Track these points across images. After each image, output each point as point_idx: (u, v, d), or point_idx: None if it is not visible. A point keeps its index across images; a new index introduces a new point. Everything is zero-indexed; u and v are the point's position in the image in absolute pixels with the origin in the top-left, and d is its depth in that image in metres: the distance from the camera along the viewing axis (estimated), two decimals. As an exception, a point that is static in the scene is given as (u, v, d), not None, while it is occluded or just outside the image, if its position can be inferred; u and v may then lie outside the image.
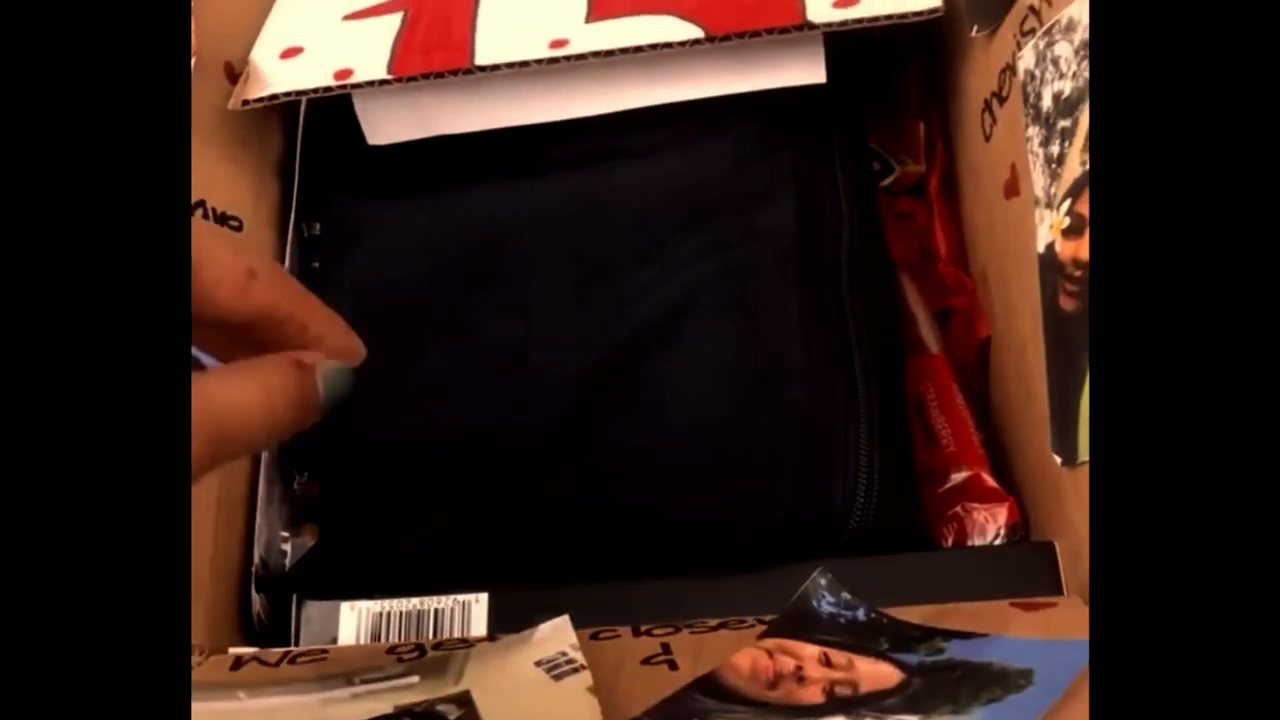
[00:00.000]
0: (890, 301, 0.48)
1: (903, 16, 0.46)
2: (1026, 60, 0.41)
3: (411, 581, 0.43)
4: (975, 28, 0.45)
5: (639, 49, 0.46)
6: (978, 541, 0.44)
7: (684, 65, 0.48)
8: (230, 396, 0.29)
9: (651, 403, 0.43)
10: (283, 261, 0.52)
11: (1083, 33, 0.37)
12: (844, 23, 0.46)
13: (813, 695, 0.34)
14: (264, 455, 0.47)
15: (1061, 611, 0.37)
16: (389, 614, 0.43)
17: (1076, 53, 0.37)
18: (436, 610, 0.43)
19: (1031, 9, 0.41)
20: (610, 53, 0.46)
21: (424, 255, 0.48)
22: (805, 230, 0.46)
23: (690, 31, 0.46)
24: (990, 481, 0.45)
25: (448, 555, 0.44)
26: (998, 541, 0.44)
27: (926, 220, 0.53)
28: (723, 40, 0.46)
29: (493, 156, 0.50)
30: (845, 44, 0.55)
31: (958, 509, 0.45)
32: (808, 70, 0.48)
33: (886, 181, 0.56)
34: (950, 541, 0.45)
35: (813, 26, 0.46)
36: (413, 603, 0.43)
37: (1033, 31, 0.41)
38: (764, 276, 0.45)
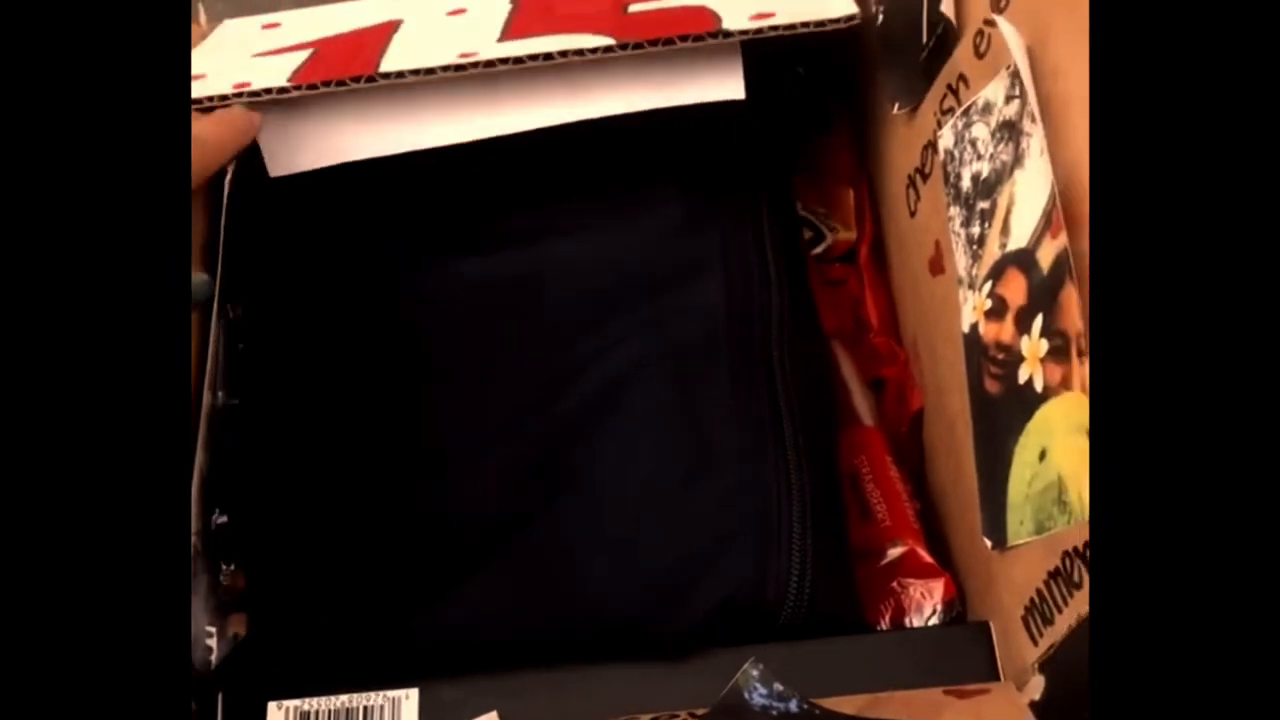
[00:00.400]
0: (823, 375, 0.48)
1: (820, 24, 0.45)
2: (946, 140, 0.41)
3: (341, 677, 0.42)
4: (896, 105, 0.45)
5: (549, 56, 0.45)
6: (914, 618, 0.44)
7: (600, 79, 0.47)
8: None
9: (584, 491, 0.42)
10: (207, 344, 0.51)
11: (999, 114, 0.37)
12: (760, 30, 0.45)
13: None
14: (192, 546, 0.46)
15: (994, 699, 0.36)
16: (317, 712, 0.42)
17: (993, 135, 0.37)
18: (366, 708, 0.42)
19: (950, 88, 0.41)
20: (520, 60, 0.45)
21: (352, 338, 0.47)
22: (735, 307, 0.46)
23: (603, 41, 0.45)
24: (926, 557, 0.45)
25: (377, 648, 0.43)
26: (934, 619, 0.43)
27: (858, 289, 0.53)
28: (635, 48, 0.45)
29: (420, 236, 0.49)
30: (773, 107, 0.55)
31: (894, 584, 0.45)
32: (726, 85, 0.47)
33: (818, 250, 0.55)
34: (887, 618, 0.44)
35: (728, 34, 0.45)
36: (341, 700, 0.42)
37: (951, 111, 0.41)
38: (695, 356, 0.44)
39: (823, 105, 0.59)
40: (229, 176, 0.54)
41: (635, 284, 0.46)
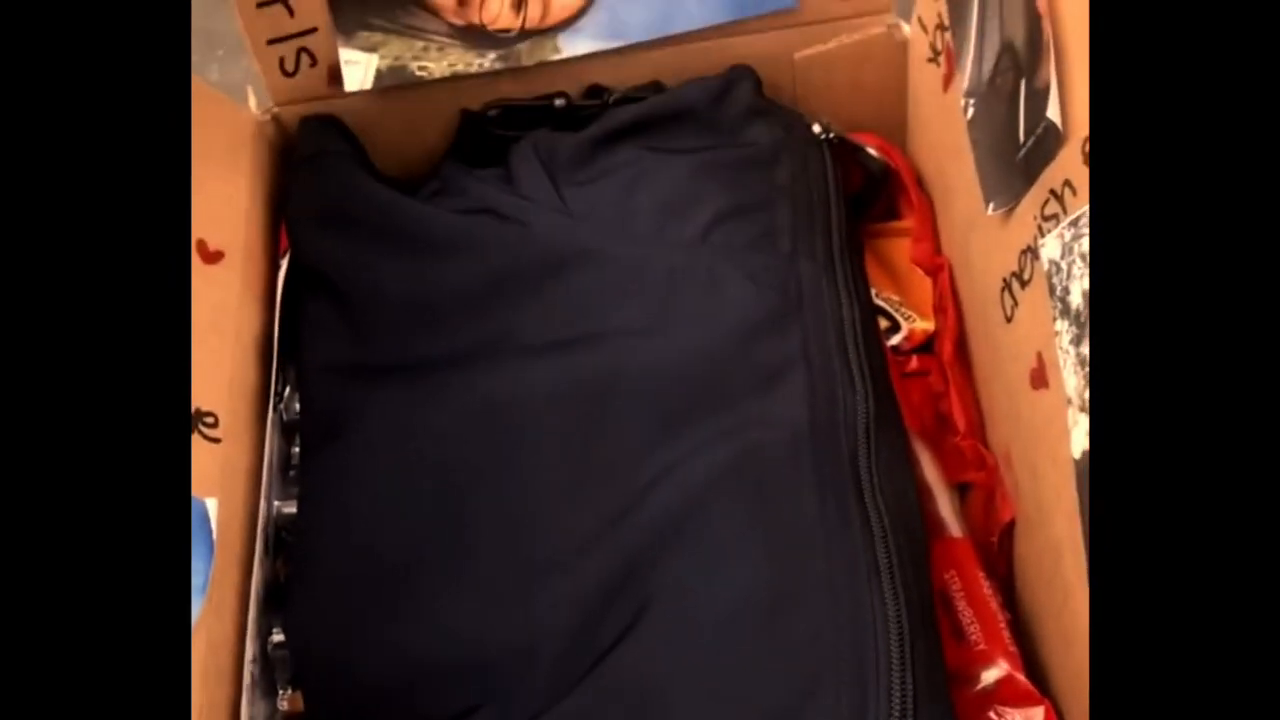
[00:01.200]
0: (911, 486, 0.45)
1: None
2: (1050, 249, 0.38)
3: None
4: (991, 205, 0.43)
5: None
6: (1015, 750, 0.41)
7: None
8: None
9: (663, 625, 0.40)
10: (262, 451, 0.49)
11: (1114, 230, 0.34)
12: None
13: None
14: (247, 673, 0.44)
15: None
16: None
17: (1107, 251, 0.35)
18: None
19: (1053, 193, 0.39)
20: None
21: (410, 454, 0.45)
22: (819, 416, 0.43)
23: None
24: (1024, 682, 0.42)
25: None
26: (1036, 752, 0.41)
27: (940, 383, 0.51)
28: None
29: (478, 337, 0.47)
30: (852, 196, 0.53)
31: (990, 714, 0.42)
32: None
33: (894, 340, 0.53)
34: (985, 749, 0.42)
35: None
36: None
37: (1055, 218, 0.38)
38: (778, 471, 0.42)
39: (893, 187, 0.57)
40: (283, 270, 0.53)
41: (712, 390, 0.44)
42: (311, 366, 0.49)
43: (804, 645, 0.39)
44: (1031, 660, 0.44)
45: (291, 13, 0.55)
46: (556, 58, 0.55)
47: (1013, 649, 0.43)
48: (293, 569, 0.47)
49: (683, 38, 0.55)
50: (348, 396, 0.48)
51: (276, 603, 0.46)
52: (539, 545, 0.42)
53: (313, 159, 0.54)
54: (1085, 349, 0.36)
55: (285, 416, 0.51)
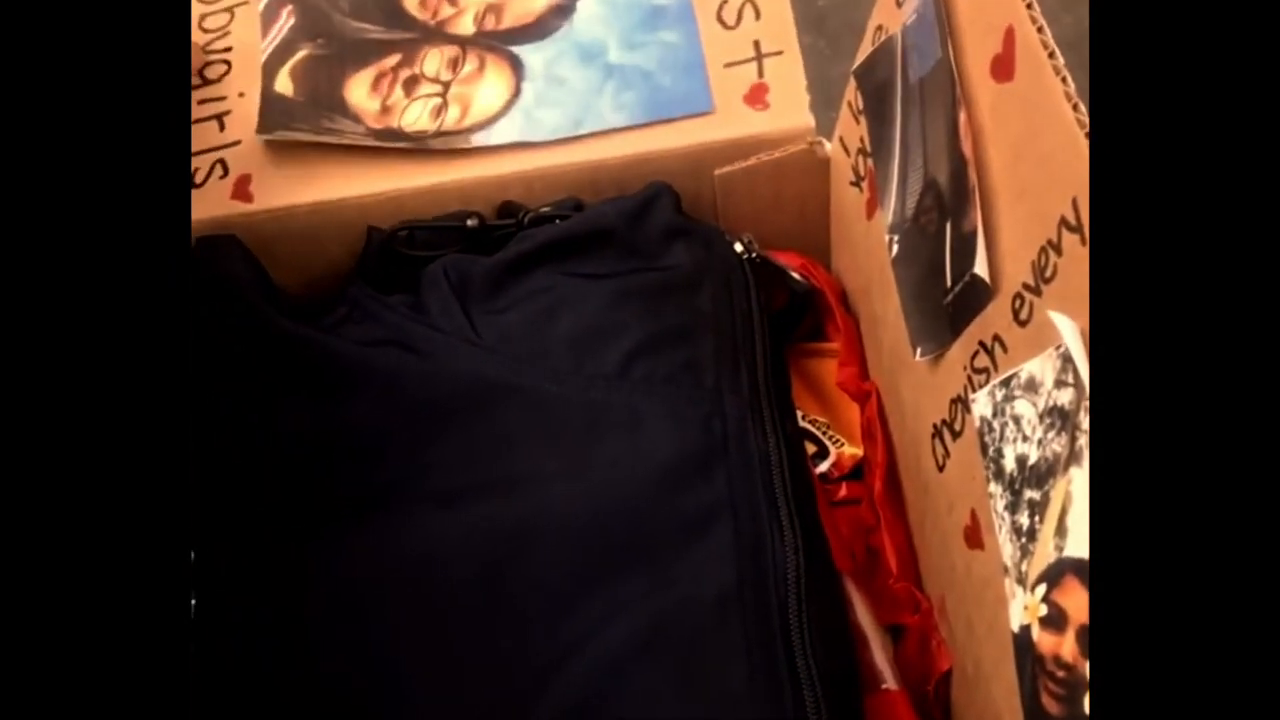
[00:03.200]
0: (843, 638, 0.43)
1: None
2: (981, 406, 0.37)
3: None
4: (918, 351, 0.41)
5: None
6: None
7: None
8: None
9: None
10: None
11: (1048, 397, 0.33)
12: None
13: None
14: None
15: None
16: None
17: (1041, 418, 0.33)
18: None
19: (983, 345, 0.37)
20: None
21: (322, 610, 0.42)
22: (746, 570, 0.41)
23: None
24: (963, 846, 0.40)
25: None
26: None
27: (870, 516, 0.49)
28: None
29: (387, 479, 0.44)
30: (776, 314, 0.51)
31: None
32: None
33: (822, 467, 0.51)
34: None
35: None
36: None
37: (985, 372, 0.37)
38: (704, 635, 0.40)
39: (818, 306, 0.55)
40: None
41: (633, 543, 0.41)
42: (216, 517, 0.46)
43: None
44: (970, 817, 0.42)
45: (222, 127, 0.54)
46: (465, 147, 0.53)
47: (949, 807, 0.42)
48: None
49: (600, 150, 0.53)
50: (269, 549, 0.44)
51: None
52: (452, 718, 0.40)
53: (208, 283, 0.51)
54: (1021, 518, 0.34)
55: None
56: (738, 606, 0.40)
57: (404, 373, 0.46)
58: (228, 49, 0.57)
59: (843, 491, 0.51)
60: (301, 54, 0.55)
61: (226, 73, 0.56)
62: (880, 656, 0.45)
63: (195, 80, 0.55)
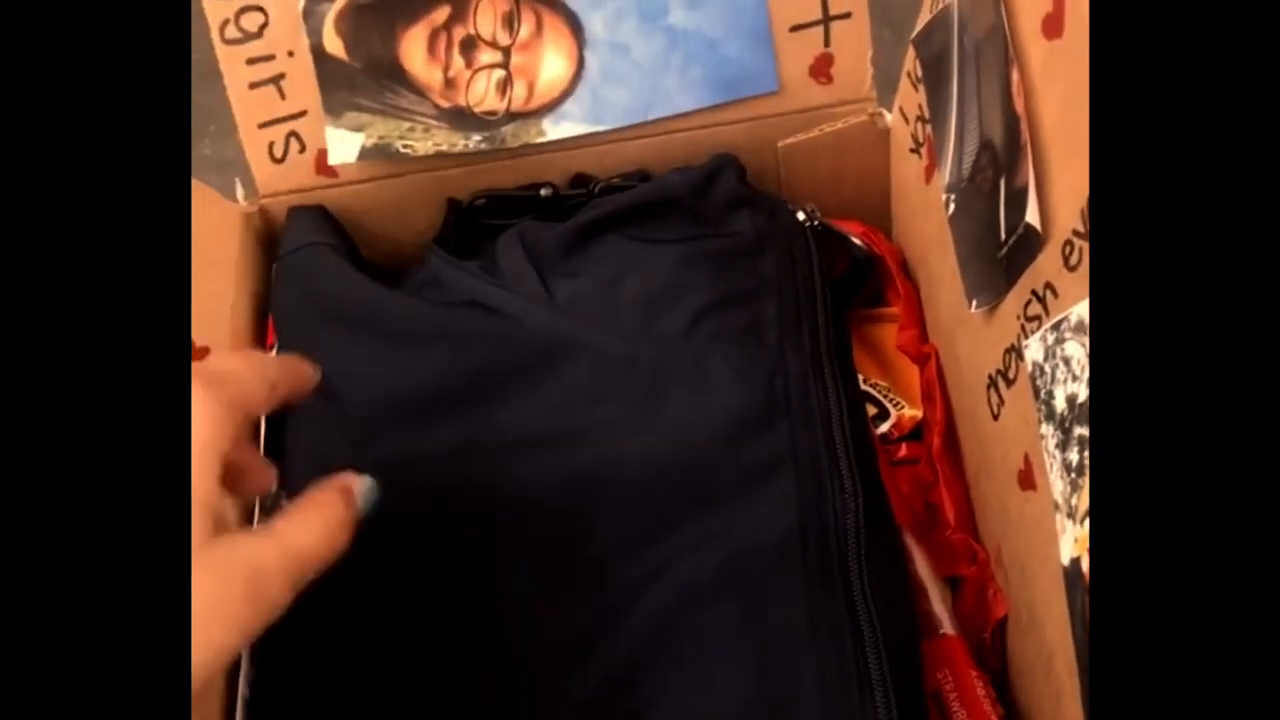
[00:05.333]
0: (902, 585, 0.45)
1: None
2: (1034, 351, 0.38)
3: None
4: (974, 303, 0.43)
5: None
6: None
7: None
8: (306, 539, 0.34)
9: None
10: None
11: (1096, 337, 0.34)
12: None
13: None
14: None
15: None
16: None
17: (1090, 356, 0.35)
18: None
19: (1035, 294, 0.38)
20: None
21: (398, 554, 0.44)
22: (809, 517, 0.42)
23: None
24: (1017, 783, 0.42)
25: None
26: None
27: (929, 473, 0.50)
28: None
29: (463, 432, 0.47)
30: (837, 282, 0.53)
31: (985, 817, 0.41)
32: None
33: (883, 428, 0.53)
34: None
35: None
36: None
37: (1037, 319, 0.38)
38: (767, 575, 0.41)
39: (879, 273, 0.57)
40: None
41: (698, 491, 0.43)
42: (300, 465, 0.49)
43: None
44: (1026, 758, 0.43)
45: (283, 95, 0.55)
46: (541, 140, 0.56)
47: (1004, 747, 0.43)
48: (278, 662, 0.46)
49: (666, 125, 0.55)
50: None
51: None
52: (529, 652, 0.42)
53: (298, 251, 0.54)
54: (1071, 454, 0.36)
55: (271, 514, 0.50)
56: (799, 552, 0.42)
57: (481, 331, 0.48)
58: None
59: (903, 451, 0.52)
60: (341, 1, 0.54)
61: (265, 24, 0.54)
62: (939, 606, 0.47)
63: (234, 32, 0.54)
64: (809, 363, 0.47)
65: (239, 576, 0.31)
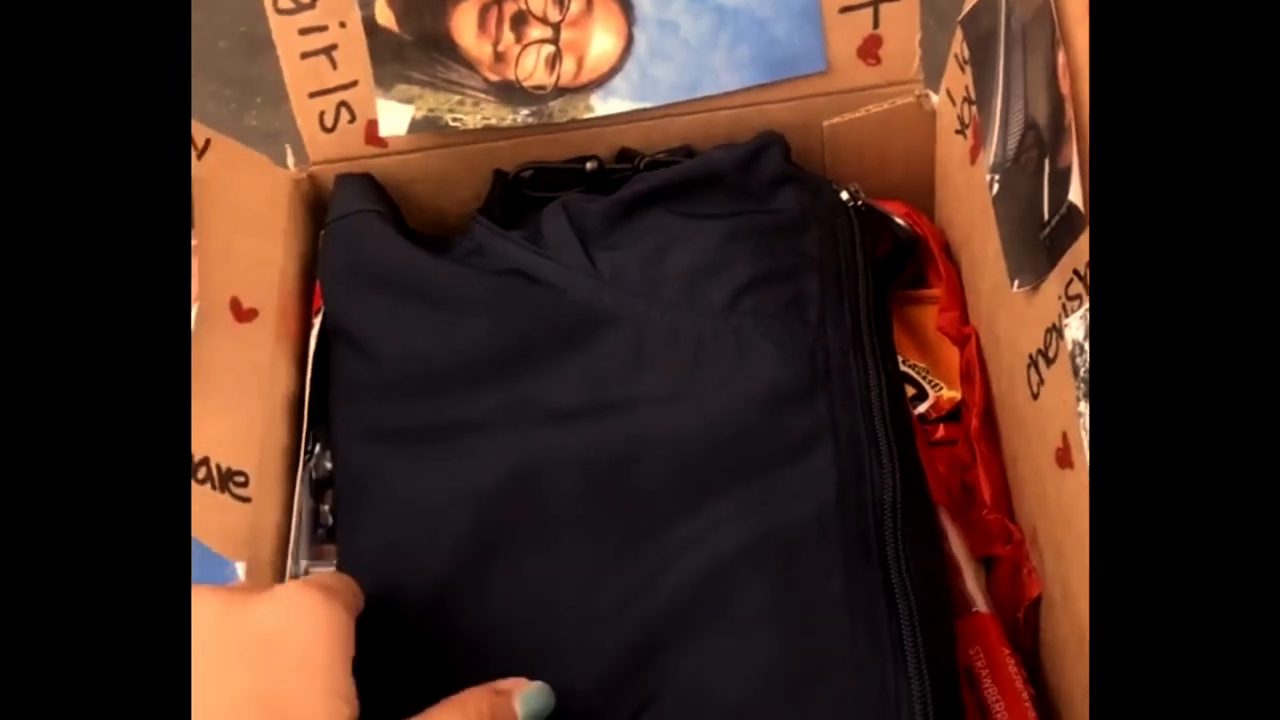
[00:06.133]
0: (937, 560, 0.45)
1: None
2: (1074, 330, 0.38)
3: None
4: (1016, 282, 0.43)
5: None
6: (1037, 832, 0.41)
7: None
8: None
9: (683, 701, 0.40)
10: (290, 511, 0.49)
11: (1137, 316, 0.35)
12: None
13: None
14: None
15: None
16: None
17: (1131, 336, 0.35)
18: None
19: (1077, 274, 0.39)
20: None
21: (436, 519, 0.45)
22: (847, 489, 0.43)
23: None
24: (1047, 760, 0.42)
25: None
26: (1059, 836, 0.40)
27: (967, 454, 0.50)
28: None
29: (506, 400, 0.47)
30: (880, 262, 0.53)
31: (1013, 793, 0.42)
32: None
33: (921, 409, 0.53)
34: (1006, 830, 0.41)
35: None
36: None
37: (1079, 299, 0.38)
38: (803, 546, 0.42)
39: (921, 254, 0.57)
40: (316, 328, 0.53)
41: (738, 461, 0.44)
42: (343, 428, 0.50)
43: None
44: (1055, 736, 0.43)
45: (334, 65, 0.56)
46: (588, 116, 0.56)
47: (1035, 725, 0.43)
48: None
49: (713, 103, 0.56)
50: (379, 459, 0.48)
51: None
52: (561, 616, 0.42)
53: (346, 218, 0.55)
54: (1108, 433, 0.36)
55: (315, 475, 0.51)
56: (837, 523, 0.42)
57: (524, 300, 0.49)
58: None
59: (940, 432, 0.53)
60: (389, -31, 0.55)
61: (311, -13, 0.54)
62: (973, 584, 0.47)
63: (288, 3, 0.54)
64: (849, 339, 0.48)
65: None
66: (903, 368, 0.54)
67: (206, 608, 0.34)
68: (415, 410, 0.48)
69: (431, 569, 0.44)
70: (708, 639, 0.40)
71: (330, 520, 0.51)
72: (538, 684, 0.39)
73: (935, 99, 0.54)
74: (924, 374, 0.54)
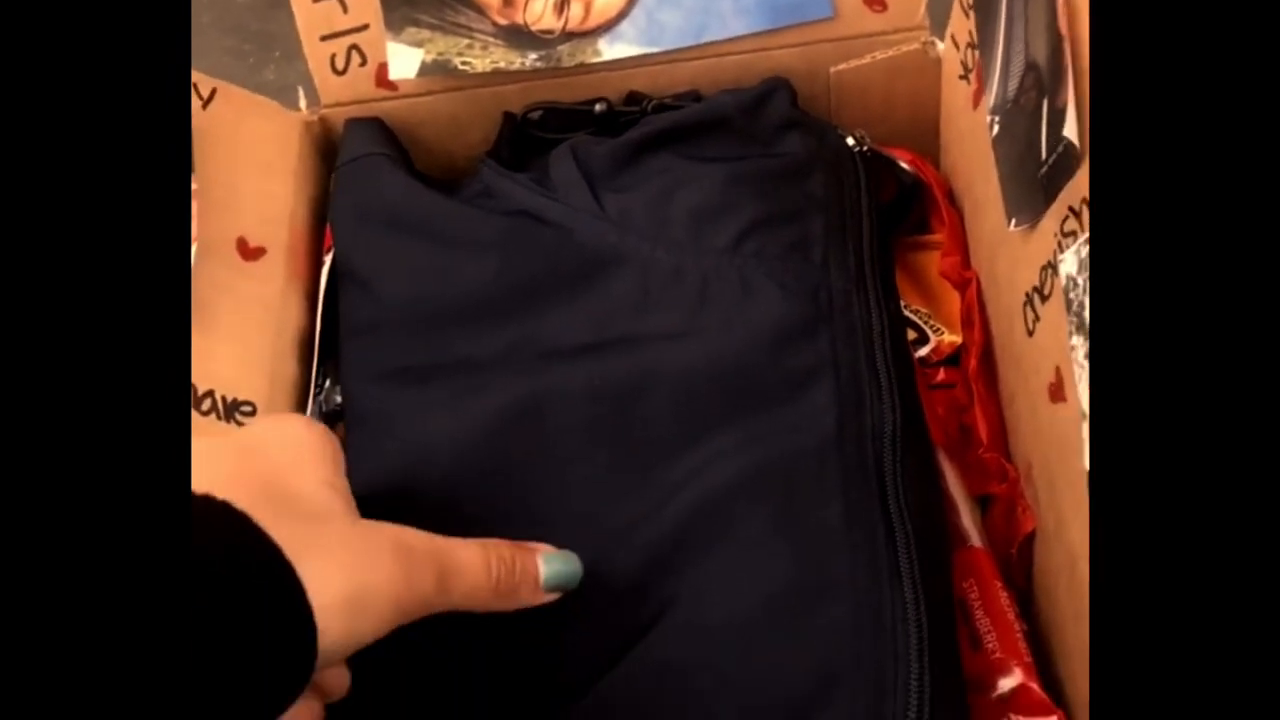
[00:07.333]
0: (935, 495, 0.46)
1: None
2: (1068, 265, 0.39)
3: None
4: (1014, 221, 0.44)
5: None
6: (1026, 758, 0.42)
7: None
8: (461, 550, 0.37)
9: (688, 617, 0.41)
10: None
11: (1129, 248, 0.35)
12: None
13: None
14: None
15: None
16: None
17: (1123, 268, 0.36)
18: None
19: (1072, 210, 0.39)
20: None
21: (449, 453, 0.46)
22: (847, 422, 0.44)
23: None
24: (1038, 692, 0.43)
25: None
26: (1047, 760, 0.41)
27: (965, 397, 0.51)
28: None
29: (514, 338, 0.48)
30: (884, 208, 0.54)
31: (1004, 721, 0.43)
32: None
33: (922, 352, 0.54)
34: (997, 756, 0.42)
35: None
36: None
37: (1073, 234, 0.39)
38: (804, 475, 0.42)
39: (925, 201, 0.57)
40: (326, 266, 0.54)
41: (742, 394, 0.44)
42: (352, 367, 0.51)
43: (825, 643, 0.39)
44: (1047, 671, 0.44)
45: (345, 8, 0.56)
46: (596, 60, 0.57)
47: (1028, 659, 0.44)
48: None
49: (720, 48, 0.56)
50: (391, 396, 0.49)
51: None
52: (569, 539, 0.43)
53: (356, 160, 0.56)
54: (1099, 364, 0.37)
55: (324, 408, 0.52)
56: (837, 454, 0.43)
57: (532, 240, 0.50)
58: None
59: (940, 375, 0.53)
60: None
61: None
62: (969, 521, 0.48)
63: None
64: (852, 280, 0.48)
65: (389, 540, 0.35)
66: (905, 312, 0.54)
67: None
68: (424, 349, 0.49)
69: (439, 499, 0.45)
70: (712, 558, 0.41)
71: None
72: (564, 550, 0.40)
73: (940, 45, 0.55)
74: (925, 319, 0.55)
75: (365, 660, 0.41)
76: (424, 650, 0.43)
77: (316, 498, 0.35)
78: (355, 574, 0.33)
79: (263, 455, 0.36)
